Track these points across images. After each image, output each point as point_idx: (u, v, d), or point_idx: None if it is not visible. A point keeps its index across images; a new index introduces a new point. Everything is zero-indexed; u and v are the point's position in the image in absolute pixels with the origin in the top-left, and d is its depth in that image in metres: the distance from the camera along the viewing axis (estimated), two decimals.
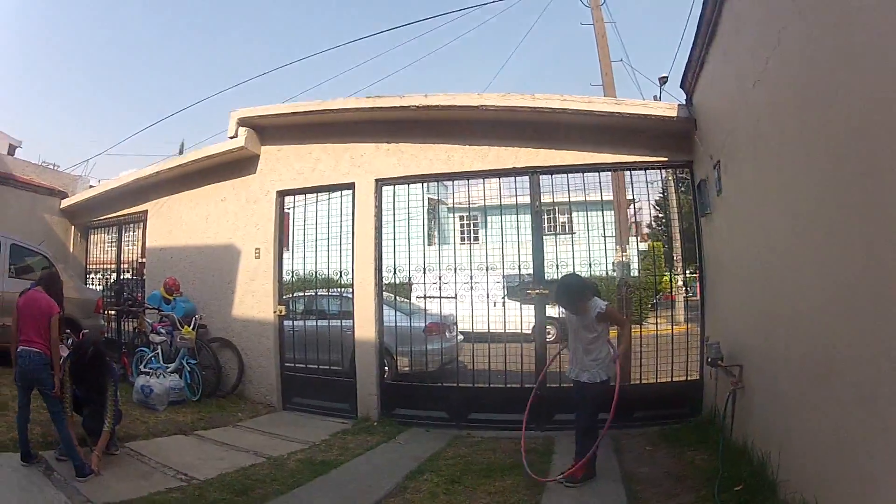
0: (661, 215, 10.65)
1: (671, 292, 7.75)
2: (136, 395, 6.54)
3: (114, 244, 9.90)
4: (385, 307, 6.84)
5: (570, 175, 6.17)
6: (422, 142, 6.55)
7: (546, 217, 8.37)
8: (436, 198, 7.49)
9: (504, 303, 6.44)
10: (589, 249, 6.18)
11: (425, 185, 6.70)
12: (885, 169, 2.15)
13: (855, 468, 2.36)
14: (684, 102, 6.02)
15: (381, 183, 6.67)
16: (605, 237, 6.56)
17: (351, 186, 6.75)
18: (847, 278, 2.50)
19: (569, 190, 6.20)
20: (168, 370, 6.91)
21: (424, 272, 6.50)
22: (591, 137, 6.09)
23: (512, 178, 6.35)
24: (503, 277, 6.31)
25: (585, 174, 6.18)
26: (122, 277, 9.68)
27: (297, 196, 7.26)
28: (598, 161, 6.12)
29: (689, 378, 5.93)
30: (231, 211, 7.59)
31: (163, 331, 7.22)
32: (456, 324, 7.62)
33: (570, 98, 5.93)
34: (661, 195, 8.10)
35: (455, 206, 7.24)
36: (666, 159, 6.10)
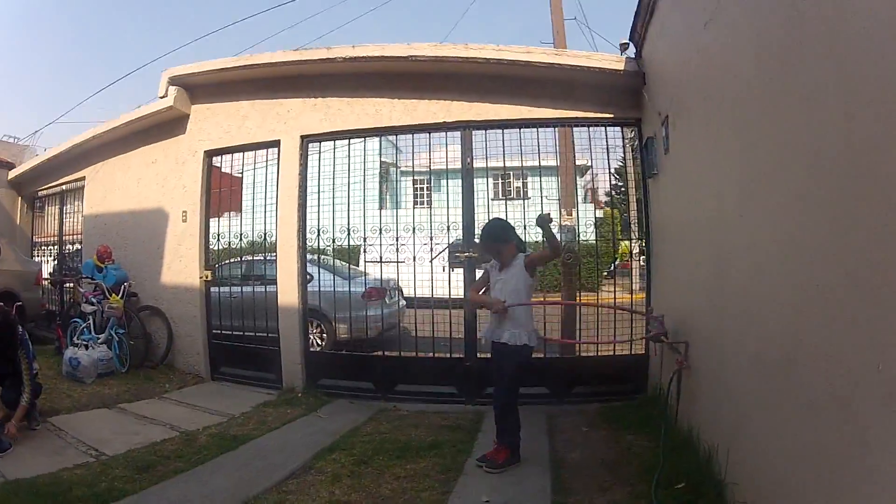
0: (619, 183, 10.00)
1: (622, 260, 7.28)
2: (64, 367, 5.96)
3: (57, 214, 9.20)
4: (324, 271, 6.27)
5: (505, 131, 5.46)
6: (350, 96, 5.76)
7: (496, 181, 7.92)
8: (389, 160, 7.04)
9: (445, 267, 6.03)
10: (524, 212, 5.52)
11: (374, 140, 6.18)
12: (879, 107, 1.48)
13: (824, 477, 1.81)
14: (633, 56, 5.25)
15: (307, 140, 5.91)
16: (546, 199, 6.09)
17: (277, 144, 6.01)
18: (819, 254, 1.86)
19: (503, 147, 5.51)
20: (99, 341, 6.30)
21: (349, 234, 5.78)
22: (530, 91, 5.35)
23: (443, 134, 5.63)
24: (434, 241, 5.81)
25: (523, 130, 5.44)
26: (64, 248, 9.00)
27: (225, 156, 6.58)
28: (536, 116, 5.38)
29: (633, 352, 5.24)
30: (161, 173, 6.85)
31: (94, 300, 6.55)
32: (399, 289, 6.99)
33: (507, 48, 5.14)
34: (621, 162, 7.54)
35: (405, 168, 6.80)
36: (612, 116, 5.38)
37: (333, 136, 5.88)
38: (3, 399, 4.09)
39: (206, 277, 6.41)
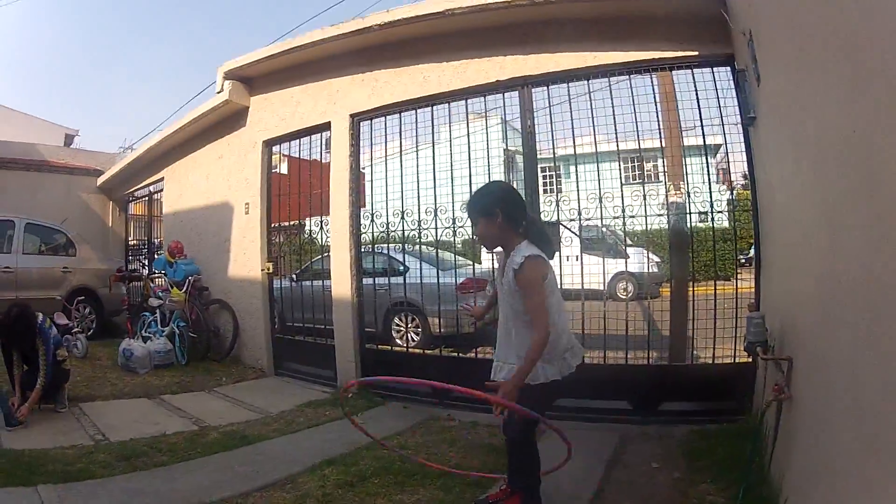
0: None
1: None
2: (119, 358, 6.07)
3: (145, 213, 9.70)
4: (419, 262, 5.68)
5: (570, 84, 4.64)
6: (396, 66, 5.26)
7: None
8: (513, 147, 6.42)
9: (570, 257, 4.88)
10: (593, 188, 4.61)
11: (497, 127, 5.42)
12: None
13: None
14: None
15: (357, 118, 5.50)
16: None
17: (328, 126, 5.68)
18: None
19: (570, 104, 4.66)
20: (163, 334, 6.40)
21: (454, 222, 5.19)
22: (591, 33, 4.49)
23: (499, 95, 4.91)
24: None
25: (591, 81, 4.56)
26: (154, 245, 9.37)
27: (282, 144, 6.39)
28: (603, 62, 4.50)
29: (737, 360, 4.06)
30: (226, 167, 6.83)
31: (161, 294, 6.70)
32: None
33: None
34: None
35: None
36: (696, 53, 4.32)
37: (382, 111, 5.42)
38: (23, 381, 4.33)
39: (268, 269, 6.27)
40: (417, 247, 5.90)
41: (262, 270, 6.24)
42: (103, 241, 10.27)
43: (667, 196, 5.28)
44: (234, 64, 6.32)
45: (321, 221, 6.14)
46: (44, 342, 4.33)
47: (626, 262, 6.43)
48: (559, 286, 4.31)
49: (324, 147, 6.20)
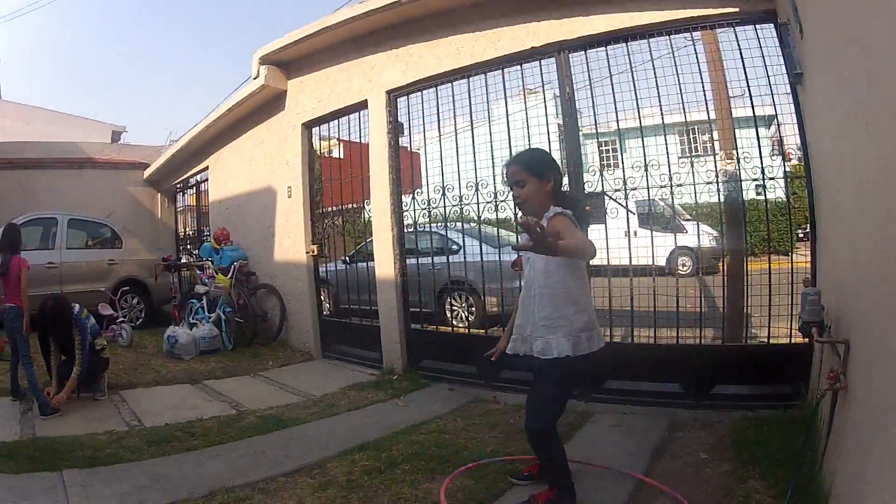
0: None
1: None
2: (164, 345, 6.22)
3: (193, 202, 9.99)
4: (470, 239, 5.62)
5: (608, 48, 4.47)
6: (429, 39, 5.19)
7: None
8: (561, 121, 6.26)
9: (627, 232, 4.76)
10: (640, 154, 4.43)
11: (549, 102, 5.44)
12: None
13: None
14: None
15: (393, 95, 5.48)
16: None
17: (365, 105, 5.69)
18: None
19: (609, 69, 4.50)
20: (210, 320, 6.56)
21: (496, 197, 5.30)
22: None
23: (536, 63, 4.77)
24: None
25: (629, 43, 4.39)
26: (203, 234, 9.61)
27: (321, 126, 6.42)
28: (639, 23, 4.30)
29: (792, 341, 3.76)
30: (268, 152, 6.95)
31: (207, 281, 6.85)
32: None
33: None
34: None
35: (587, 131, 5.87)
36: (737, 10, 4.07)
37: (419, 85, 5.37)
38: (59, 371, 4.45)
39: (313, 252, 6.37)
40: (469, 224, 5.84)
41: (307, 253, 6.34)
42: (153, 232, 10.65)
43: (716, 166, 5.06)
44: (269, 48, 6.39)
45: (363, 202, 6.18)
46: (80, 332, 4.45)
47: (675, 238, 6.17)
48: (608, 262, 4.24)
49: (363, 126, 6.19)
